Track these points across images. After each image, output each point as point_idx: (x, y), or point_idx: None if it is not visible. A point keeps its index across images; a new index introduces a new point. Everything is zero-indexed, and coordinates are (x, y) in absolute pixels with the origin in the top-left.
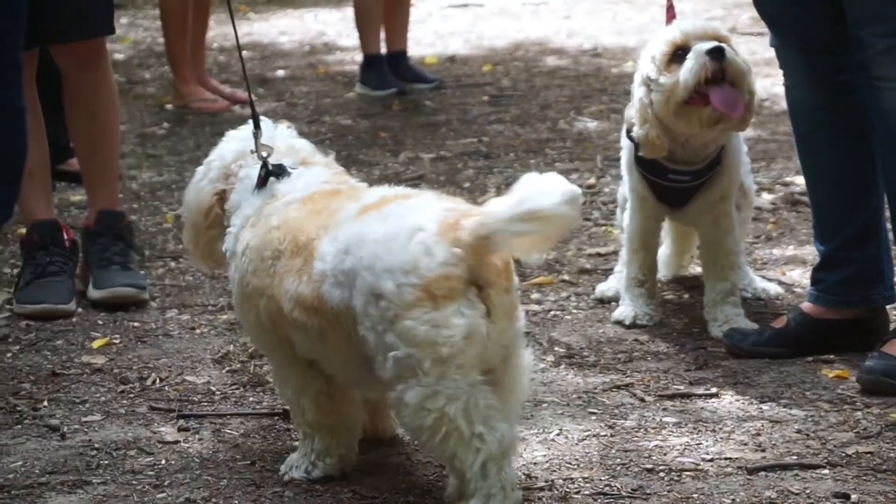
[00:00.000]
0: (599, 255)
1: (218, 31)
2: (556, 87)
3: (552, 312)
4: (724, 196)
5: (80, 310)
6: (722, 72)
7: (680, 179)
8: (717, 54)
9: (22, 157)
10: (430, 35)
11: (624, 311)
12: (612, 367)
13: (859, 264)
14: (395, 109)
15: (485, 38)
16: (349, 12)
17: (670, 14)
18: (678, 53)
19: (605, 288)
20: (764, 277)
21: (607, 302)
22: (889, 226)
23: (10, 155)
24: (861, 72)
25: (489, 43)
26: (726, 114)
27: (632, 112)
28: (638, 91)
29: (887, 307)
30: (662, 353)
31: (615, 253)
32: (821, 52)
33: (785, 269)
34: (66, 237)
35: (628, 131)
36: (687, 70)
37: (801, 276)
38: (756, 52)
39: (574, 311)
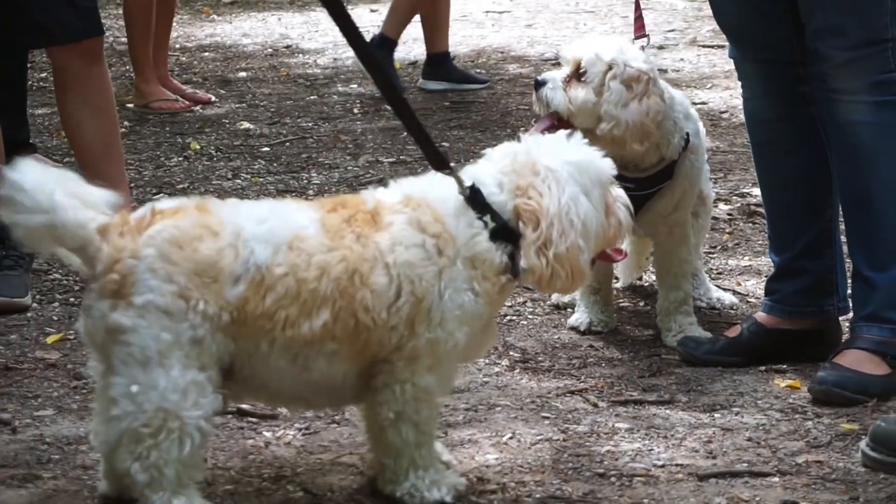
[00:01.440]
0: None
1: (181, 31)
2: (517, 95)
3: (508, 317)
4: (676, 207)
5: (34, 305)
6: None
7: (624, 186)
8: (537, 85)
9: None
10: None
11: (579, 317)
12: (566, 372)
13: (813, 275)
14: (355, 113)
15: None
16: (313, 15)
17: (638, 25)
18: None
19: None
20: (720, 287)
21: (563, 308)
22: (843, 238)
23: None
24: (817, 84)
25: (451, 49)
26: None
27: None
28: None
29: (840, 318)
30: (617, 359)
31: None
32: (779, 64)
33: (740, 280)
34: None
35: None
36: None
37: (755, 287)
38: (716, 64)
39: (530, 316)
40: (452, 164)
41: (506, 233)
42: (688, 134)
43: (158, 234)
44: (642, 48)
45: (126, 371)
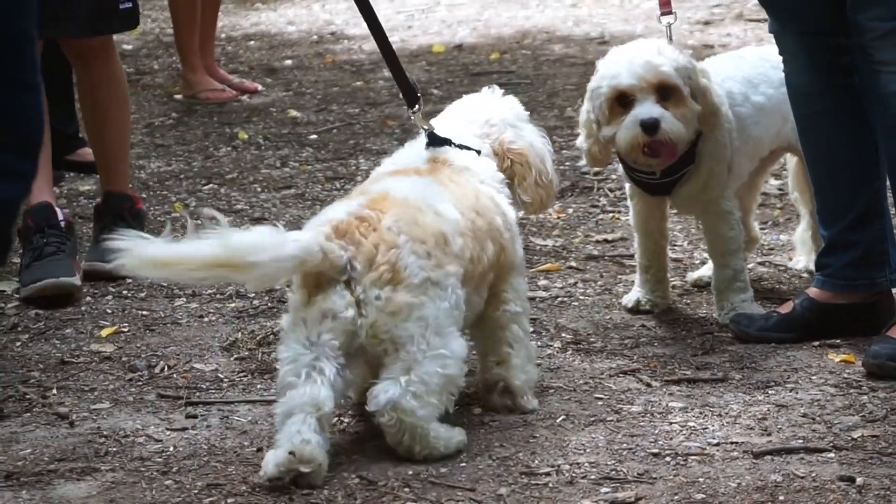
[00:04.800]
0: (607, 241)
1: (226, 21)
2: (563, 75)
3: (559, 299)
4: (705, 188)
5: (88, 298)
6: (655, 142)
7: (647, 177)
8: (650, 130)
9: (39, 133)
10: (438, 24)
11: (630, 296)
12: (618, 352)
13: (863, 247)
14: (401, 98)
15: (492, 26)
16: None
17: (664, 1)
18: (621, 99)
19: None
20: (771, 263)
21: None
22: (892, 209)
23: (26, 130)
24: (860, 55)
25: (496, 31)
26: (660, 163)
27: (582, 118)
28: (587, 103)
29: (893, 290)
30: (669, 338)
31: (623, 239)
32: (820, 36)
33: (792, 255)
34: (60, 218)
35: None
36: (621, 137)
37: (807, 261)
38: (763, 38)
39: (581, 297)
40: (420, 100)
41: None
42: None
43: (396, 224)
44: (668, 26)
45: (421, 341)
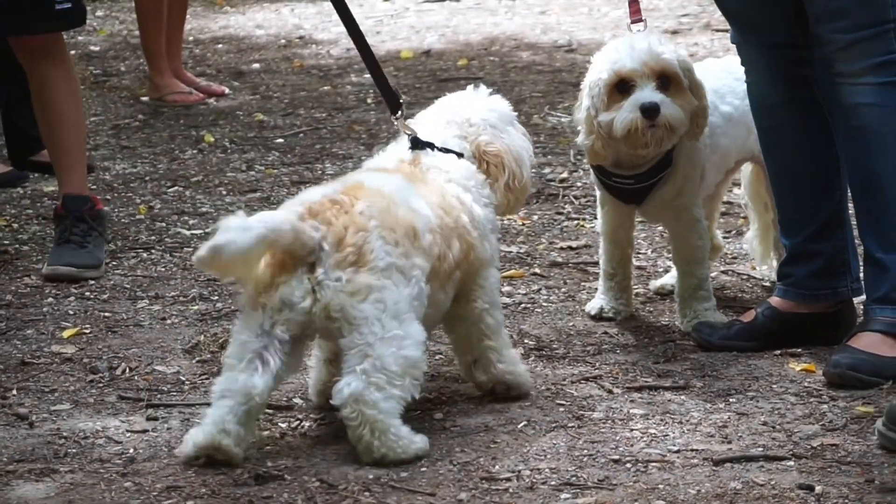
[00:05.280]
0: (571, 248)
1: (194, 23)
2: (530, 83)
3: (522, 305)
4: (680, 192)
5: (50, 299)
6: (654, 126)
7: (623, 183)
8: (650, 113)
9: None
10: (406, 29)
11: (593, 303)
12: (580, 359)
13: (825, 257)
14: (369, 103)
15: (460, 32)
16: (325, 6)
17: (634, 9)
18: (621, 86)
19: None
20: (734, 272)
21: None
22: (853, 219)
23: None
24: (821, 67)
25: (465, 38)
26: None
27: (580, 116)
28: (586, 99)
29: (854, 300)
30: (632, 345)
31: (587, 247)
32: (781, 47)
33: (754, 264)
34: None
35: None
36: (620, 120)
37: (770, 271)
38: (730, 47)
39: (544, 304)
40: (403, 106)
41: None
42: None
43: (368, 209)
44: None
45: (376, 323)
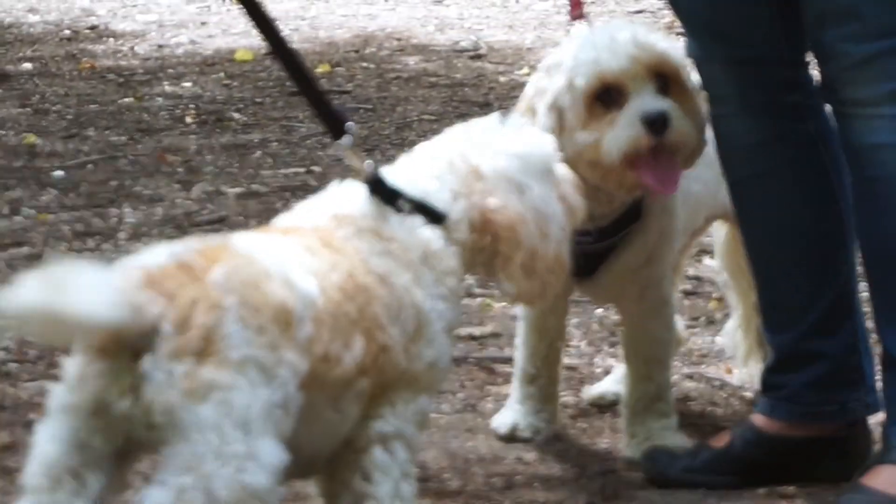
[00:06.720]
0: (472, 337)
1: None
2: (418, 100)
3: None
4: (650, 259)
5: None
6: (662, 144)
7: (578, 240)
8: (657, 126)
9: None
10: (244, 21)
11: (504, 417)
12: (483, 496)
13: (830, 360)
14: (188, 123)
15: (321, 27)
16: None
17: (575, 2)
18: (604, 95)
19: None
20: (702, 376)
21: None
22: (865, 305)
23: None
24: (824, 93)
25: (327, 34)
26: (658, 190)
27: None
28: (546, 117)
29: (868, 419)
30: (556, 478)
31: (495, 335)
32: (760, 65)
33: (732, 365)
34: None
35: None
36: (616, 139)
37: (753, 376)
38: None
39: (434, 415)
40: (352, 129)
41: (430, 213)
42: None
43: (227, 280)
44: None
45: (212, 433)
